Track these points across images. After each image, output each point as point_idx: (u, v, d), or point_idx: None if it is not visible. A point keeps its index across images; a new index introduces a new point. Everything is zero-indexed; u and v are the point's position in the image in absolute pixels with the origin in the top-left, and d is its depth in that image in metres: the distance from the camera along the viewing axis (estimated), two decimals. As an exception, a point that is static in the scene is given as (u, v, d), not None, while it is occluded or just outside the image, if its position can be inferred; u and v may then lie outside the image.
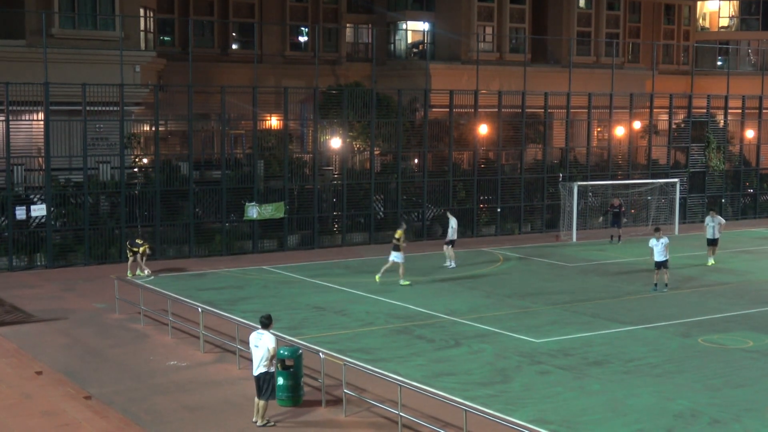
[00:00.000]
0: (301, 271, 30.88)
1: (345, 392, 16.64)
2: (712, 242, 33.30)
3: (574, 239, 38.22)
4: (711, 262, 32.97)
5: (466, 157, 41.79)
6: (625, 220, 39.02)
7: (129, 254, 29.66)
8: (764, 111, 48.88)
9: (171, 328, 22.18)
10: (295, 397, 17.00)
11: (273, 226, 35.23)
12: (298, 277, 29.83)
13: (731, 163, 47.90)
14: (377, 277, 28.83)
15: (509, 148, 42.23)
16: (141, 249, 29.30)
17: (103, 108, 32.58)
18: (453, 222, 32.30)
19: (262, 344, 15.83)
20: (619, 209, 38.23)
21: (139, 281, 27.15)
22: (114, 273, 28.75)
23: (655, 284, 27.99)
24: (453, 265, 31.79)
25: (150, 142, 35.27)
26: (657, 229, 29.01)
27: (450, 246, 32.11)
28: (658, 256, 27.80)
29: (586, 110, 43.45)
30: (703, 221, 45.37)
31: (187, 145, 34.84)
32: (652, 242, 28.09)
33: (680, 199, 42.97)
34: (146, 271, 29.45)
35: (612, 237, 38.22)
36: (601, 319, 24.14)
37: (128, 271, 29.45)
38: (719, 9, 63.96)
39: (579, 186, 39.23)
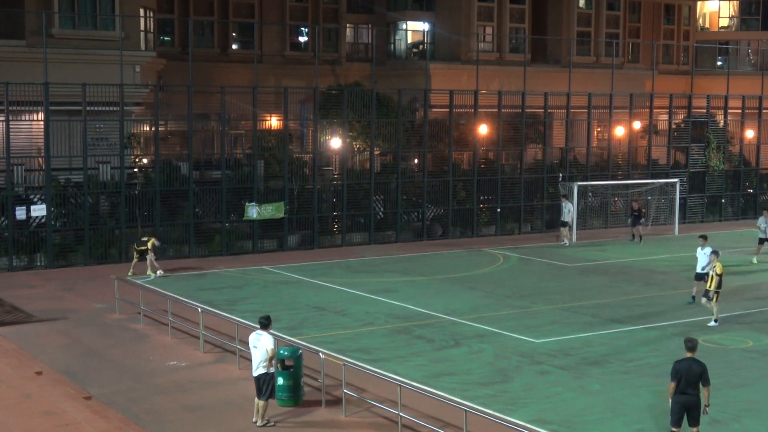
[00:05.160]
0: (301, 271, 30.88)
1: (345, 392, 16.65)
2: (764, 241, 33.80)
3: (574, 239, 38.22)
4: (754, 260, 33.64)
5: (466, 157, 41.78)
6: (643, 220, 38.99)
7: (135, 255, 29.63)
8: (764, 111, 48.88)
9: (171, 328, 22.19)
10: (295, 397, 17.02)
11: (273, 226, 35.23)
12: (298, 277, 29.83)
13: (731, 163, 47.91)
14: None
15: (509, 148, 42.23)
16: (149, 243, 29.26)
17: (103, 108, 32.58)
18: (569, 206, 37.31)
19: (261, 345, 15.85)
20: (639, 212, 38.39)
21: (139, 281, 27.12)
22: (114, 273, 28.76)
23: (693, 296, 25.93)
24: (567, 243, 37.03)
25: (150, 142, 35.27)
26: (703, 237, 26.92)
27: (566, 227, 37.26)
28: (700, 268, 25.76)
29: (586, 110, 43.46)
30: (702, 221, 45.65)
31: (187, 145, 34.84)
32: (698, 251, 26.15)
33: (680, 199, 42.97)
34: (158, 272, 29.40)
35: (633, 236, 38.39)
36: (601, 319, 24.15)
37: (130, 270, 29.44)
38: (719, 9, 63.96)
39: (579, 186, 39.24)
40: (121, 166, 32.64)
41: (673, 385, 14.33)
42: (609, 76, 44.46)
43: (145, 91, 36.23)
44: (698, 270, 25.61)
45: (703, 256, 25.56)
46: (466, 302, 26.12)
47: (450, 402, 16.03)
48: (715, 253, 24.04)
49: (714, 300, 23.48)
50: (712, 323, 23.45)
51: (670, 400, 14.52)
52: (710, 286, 23.49)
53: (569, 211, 37.51)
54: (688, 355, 14.47)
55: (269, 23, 48.09)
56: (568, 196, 38.23)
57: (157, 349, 21.02)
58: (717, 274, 23.37)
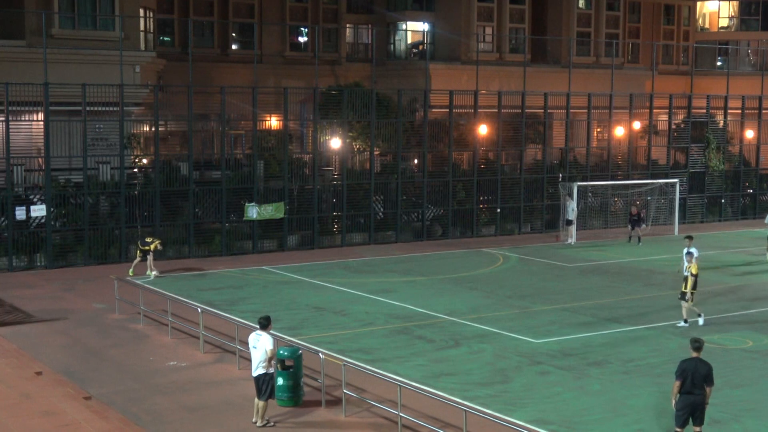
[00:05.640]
0: (300, 272, 30.88)
1: (345, 392, 16.65)
2: None
3: (574, 239, 38.21)
4: None
5: (466, 157, 41.79)
6: (643, 225, 38.91)
7: (138, 254, 29.63)
8: (764, 111, 48.89)
9: (171, 329, 22.18)
10: (295, 397, 17.01)
11: (273, 226, 35.23)
12: (298, 278, 29.84)
13: (731, 164, 47.92)
14: None
15: (509, 149, 42.24)
16: (152, 245, 29.26)
17: (103, 108, 32.59)
18: (573, 204, 37.76)
19: (260, 345, 15.85)
20: (638, 216, 38.38)
21: (139, 281, 27.13)
22: (114, 273, 28.75)
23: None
24: (572, 241, 37.58)
25: (150, 142, 35.27)
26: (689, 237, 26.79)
27: (571, 225, 37.75)
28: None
29: (586, 110, 43.46)
30: (702, 221, 45.68)
31: (187, 146, 34.85)
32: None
33: (680, 199, 42.97)
34: (154, 272, 29.39)
35: (630, 238, 38.40)
36: (601, 319, 24.15)
37: (131, 269, 29.43)
38: (719, 9, 63.98)
39: (579, 186, 39.23)
40: (121, 167, 32.64)
41: (677, 384, 14.33)
42: (609, 77, 44.47)
43: (144, 92, 36.23)
44: (684, 271, 25.46)
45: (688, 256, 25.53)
46: (466, 302, 26.12)
47: (450, 402, 16.03)
48: (689, 254, 23.93)
49: (690, 301, 23.31)
50: (701, 322, 23.38)
51: (673, 400, 14.51)
52: (686, 287, 23.39)
53: (573, 209, 37.77)
54: (694, 355, 14.54)
55: (269, 23, 48.11)
56: (572, 195, 38.31)
57: (157, 349, 21.02)
58: (692, 275, 23.28)
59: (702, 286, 28.64)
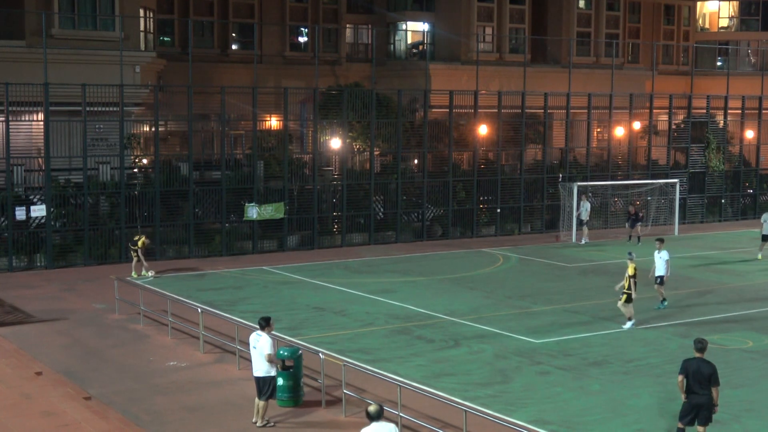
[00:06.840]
0: (300, 272, 30.88)
1: (345, 392, 16.65)
2: (766, 239, 34.36)
3: (574, 239, 38.23)
4: (759, 256, 34.27)
5: (466, 157, 41.79)
6: (640, 223, 38.86)
7: (133, 255, 29.65)
8: (764, 111, 48.88)
9: (171, 329, 22.19)
10: (295, 397, 17.02)
11: (273, 226, 35.23)
12: (298, 278, 29.83)
13: (731, 164, 47.92)
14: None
15: (509, 149, 42.23)
16: (139, 243, 29.27)
17: (103, 108, 32.58)
18: (588, 205, 38.13)
19: (260, 346, 15.88)
20: (636, 215, 38.41)
21: (139, 282, 27.13)
22: (114, 273, 28.74)
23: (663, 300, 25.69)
24: (585, 241, 37.78)
25: (150, 142, 35.27)
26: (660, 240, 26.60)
27: (583, 226, 38.03)
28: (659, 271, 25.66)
29: (586, 110, 43.45)
30: (702, 221, 45.68)
31: (187, 146, 34.84)
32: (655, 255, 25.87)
33: (680, 199, 42.97)
34: (150, 272, 29.38)
35: (630, 237, 38.45)
36: (601, 319, 24.15)
37: (133, 272, 29.43)
38: (719, 9, 63.98)
39: (579, 186, 39.22)
40: (121, 167, 32.64)
41: (681, 377, 14.38)
42: (609, 77, 44.46)
43: (144, 92, 36.22)
44: (655, 273, 25.50)
45: (659, 260, 25.48)
46: (466, 302, 26.12)
47: (450, 402, 16.03)
48: (629, 255, 23.72)
49: (622, 300, 23.13)
50: (628, 325, 23.09)
51: (683, 394, 14.50)
52: (626, 287, 23.14)
53: (587, 209, 38.03)
54: (698, 355, 14.58)
55: (269, 24, 48.10)
56: (587, 195, 38.44)
57: (157, 349, 21.02)
58: (629, 276, 23.11)
59: (702, 286, 28.75)
